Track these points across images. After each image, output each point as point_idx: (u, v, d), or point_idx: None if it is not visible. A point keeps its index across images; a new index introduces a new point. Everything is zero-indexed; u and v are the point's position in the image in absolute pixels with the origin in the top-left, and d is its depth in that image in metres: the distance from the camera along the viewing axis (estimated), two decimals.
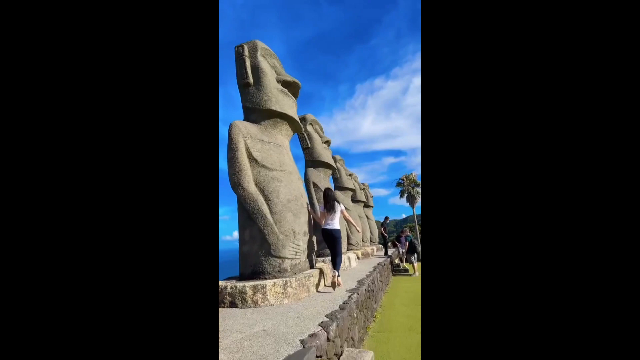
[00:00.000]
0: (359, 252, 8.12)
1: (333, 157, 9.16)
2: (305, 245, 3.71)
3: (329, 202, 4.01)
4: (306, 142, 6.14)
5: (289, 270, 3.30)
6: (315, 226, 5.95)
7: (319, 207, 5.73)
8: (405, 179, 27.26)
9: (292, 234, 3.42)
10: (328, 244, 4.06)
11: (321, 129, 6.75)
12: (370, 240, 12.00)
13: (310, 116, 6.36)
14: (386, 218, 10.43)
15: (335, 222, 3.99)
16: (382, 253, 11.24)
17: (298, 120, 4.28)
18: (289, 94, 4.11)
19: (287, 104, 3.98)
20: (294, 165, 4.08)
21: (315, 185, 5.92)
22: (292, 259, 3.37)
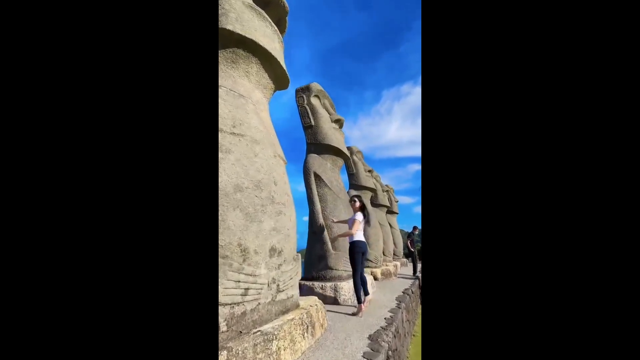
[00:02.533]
0: (378, 272, 6.26)
1: (349, 149, 7.40)
2: (275, 274, 2.02)
3: (366, 211, 3.59)
4: (308, 118, 4.47)
5: (226, 328, 1.61)
6: (312, 240, 4.26)
7: (319, 207, 4.04)
8: None
9: (237, 253, 1.74)
10: (353, 260, 3.37)
11: (332, 106, 5.06)
12: (394, 254, 10.05)
13: (315, 85, 4.69)
14: (414, 228, 8.41)
15: (362, 233, 3.46)
16: (407, 269, 9.23)
17: (282, 64, 2.63)
18: (266, 16, 2.48)
19: (258, 28, 2.34)
20: (268, 132, 2.41)
21: (317, 176, 4.21)
22: (234, 304, 1.68)
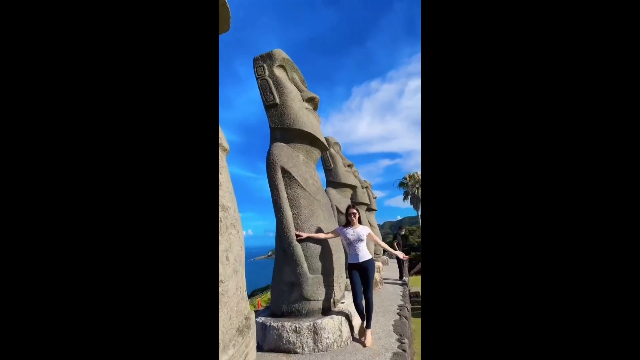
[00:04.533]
0: None
1: (326, 139, 6.35)
2: None
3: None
4: (271, 93, 3.32)
5: None
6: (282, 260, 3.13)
7: (289, 215, 2.96)
8: (409, 178, 24.51)
9: None
10: (357, 280, 2.88)
11: (302, 82, 3.95)
12: (374, 253, 9.24)
13: (280, 53, 3.54)
14: (400, 228, 7.58)
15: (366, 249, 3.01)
16: (390, 270, 8.47)
17: None
18: None
19: None
20: None
21: (286, 172, 3.09)
22: None
